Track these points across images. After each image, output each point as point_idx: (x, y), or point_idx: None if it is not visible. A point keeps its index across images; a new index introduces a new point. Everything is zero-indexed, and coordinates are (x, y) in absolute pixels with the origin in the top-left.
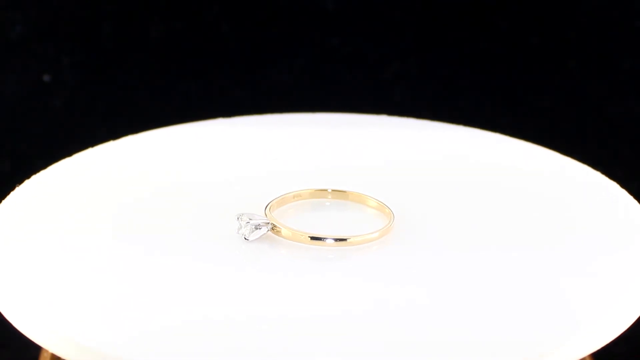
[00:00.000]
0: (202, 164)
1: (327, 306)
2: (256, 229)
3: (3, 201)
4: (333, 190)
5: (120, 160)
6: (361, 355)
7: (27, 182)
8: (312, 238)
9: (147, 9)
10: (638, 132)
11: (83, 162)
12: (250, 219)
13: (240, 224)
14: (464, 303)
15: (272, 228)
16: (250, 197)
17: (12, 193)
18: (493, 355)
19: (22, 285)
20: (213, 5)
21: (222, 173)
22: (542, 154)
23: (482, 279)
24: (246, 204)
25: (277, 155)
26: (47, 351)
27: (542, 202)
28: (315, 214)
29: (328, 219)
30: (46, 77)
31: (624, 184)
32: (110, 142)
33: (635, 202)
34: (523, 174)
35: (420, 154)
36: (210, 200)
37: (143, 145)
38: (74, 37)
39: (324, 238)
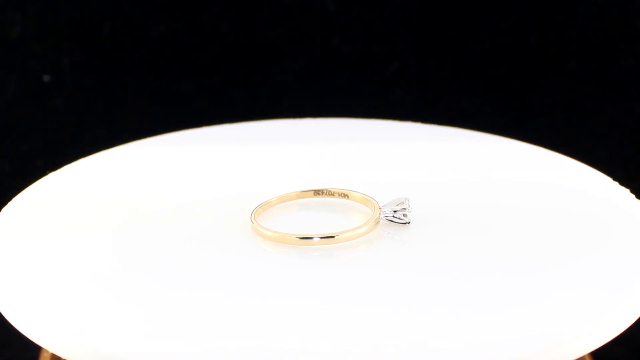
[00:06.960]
0: (191, 172)
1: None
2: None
3: (4, 204)
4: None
5: (118, 168)
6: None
7: (30, 185)
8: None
9: (147, 9)
10: (638, 132)
11: (84, 168)
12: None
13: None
14: (461, 301)
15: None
16: (237, 203)
17: (16, 195)
18: (492, 355)
19: (22, 286)
20: (213, 5)
21: (214, 179)
22: (534, 153)
23: (479, 276)
24: (231, 211)
25: (262, 163)
26: (47, 351)
27: (538, 201)
28: (301, 213)
29: (315, 217)
30: (46, 77)
31: (624, 184)
32: (105, 150)
33: (637, 202)
34: (511, 172)
35: (406, 153)
36: (205, 206)
37: (139, 152)
38: (74, 37)
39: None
